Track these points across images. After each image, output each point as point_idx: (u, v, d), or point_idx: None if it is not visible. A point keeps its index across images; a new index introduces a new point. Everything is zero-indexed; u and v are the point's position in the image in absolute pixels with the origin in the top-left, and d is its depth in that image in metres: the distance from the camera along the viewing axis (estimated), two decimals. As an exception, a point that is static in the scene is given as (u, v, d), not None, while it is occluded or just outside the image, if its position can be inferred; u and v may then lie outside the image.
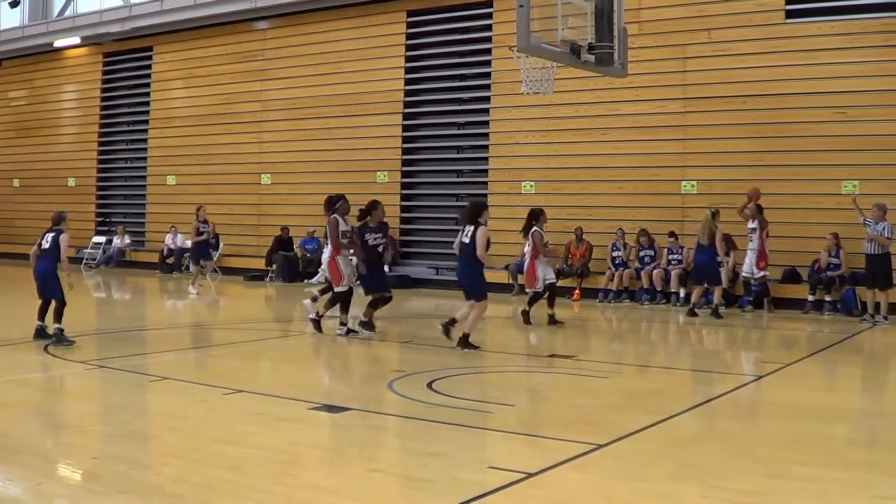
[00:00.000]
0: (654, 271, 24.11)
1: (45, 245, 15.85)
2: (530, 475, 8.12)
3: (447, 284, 26.80)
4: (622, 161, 25.56)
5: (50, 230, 16.01)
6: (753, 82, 23.95)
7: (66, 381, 13.37)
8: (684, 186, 24.81)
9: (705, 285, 21.77)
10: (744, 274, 22.71)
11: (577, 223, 25.72)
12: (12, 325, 16.22)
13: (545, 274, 19.59)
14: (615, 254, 24.87)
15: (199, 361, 14.98)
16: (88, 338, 16.39)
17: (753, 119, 23.92)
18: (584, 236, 25.75)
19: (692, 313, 21.32)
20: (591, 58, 17.14)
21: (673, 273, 23.89)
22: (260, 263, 31.21)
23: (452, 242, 25.62)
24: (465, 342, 15.57)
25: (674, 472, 8.59)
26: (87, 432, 10.20)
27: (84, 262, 35.43)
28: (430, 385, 12.28)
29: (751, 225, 22.39)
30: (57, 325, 15.46)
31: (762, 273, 22.38)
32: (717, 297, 21.39)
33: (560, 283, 25.05)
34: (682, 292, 23.37)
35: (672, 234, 24.13)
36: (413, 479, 8.28)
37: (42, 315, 15.84)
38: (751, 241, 22.38)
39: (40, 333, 15.75)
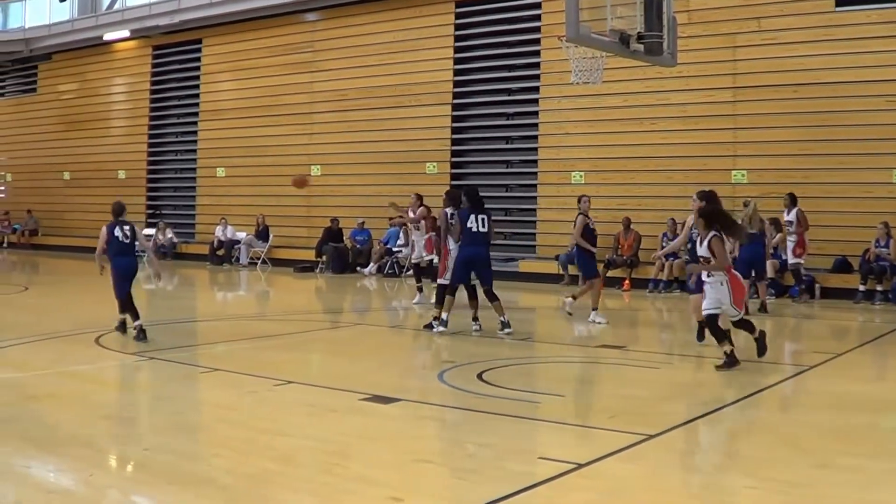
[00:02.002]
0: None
1: (127, 240, 15.60)
2: (580, 466, 8.10)
3: (497, 275, 26.77)
4: (672, 151, 25.43)
5: (122, 223, 15.66)
6: (804, 71, 23.78)
7: (117, 373, 13.46)
8: (734, 176, 24.66)
9: (753, 276, 21.41)
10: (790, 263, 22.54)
11: (625, 213, 25.63)
12: (63, 318, 16.39)
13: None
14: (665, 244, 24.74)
15: (249, 353, 15.02)
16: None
17: (804, 108, 23.75)
18: (632, 226, 25.64)
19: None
20: (641, 47, 17.08)
21: (723, 263, 23.70)
22: (310, 255, 31.28)
23: (503, 233, 25.69)
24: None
25: (722, 463, 8.58)
26: (138, 423, 10.28)
27: (135, 254, 35.59)
28: (480, 376, 12.28)
29: (788, 217, 22.24)
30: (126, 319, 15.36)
31: (797, 260, 22.23)
32: (762, 291, 20.93)
33: (610, 274, 25.03)
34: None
35: (723, 226, 23.89)
36: (463, 470, 8.29)
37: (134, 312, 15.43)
38: (789, 232, 22.21)
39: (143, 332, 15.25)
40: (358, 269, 29.83)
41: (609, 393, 11.86)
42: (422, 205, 21.51)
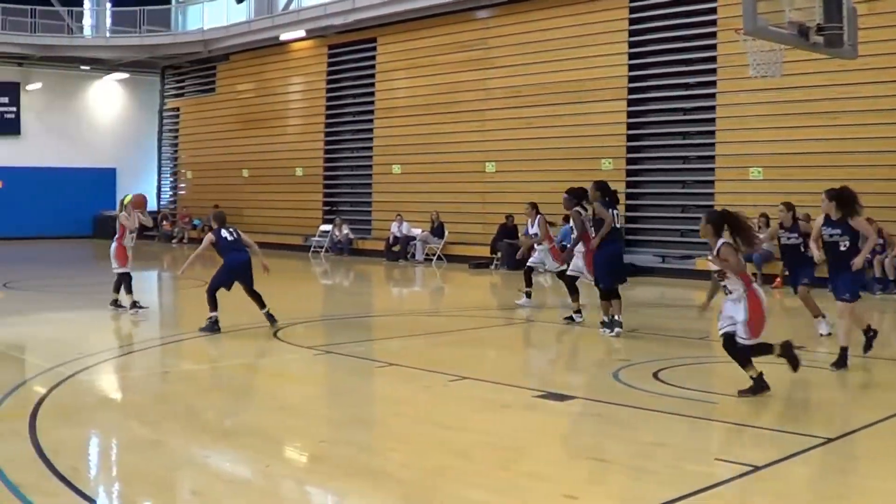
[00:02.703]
0: (886, 259, 23.34)
1: (233, 237, 16.24)
2: (757, 468, 7.97)
3: (673, 273, 26.52)
4: (855, 146, 24.70)
5: (227, 227, 16.37)
6: None
7: (295, 366, 13.66)
8: (921, 172, 23.96)
9: None
10: None
11: (804, 210, 25.09)
12: (241, 312, 16.64)
13: None
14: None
15: (424, 348, 15.12)
16: (316, 324, 16.73)
17: None
18: (807, 222, 25.04)
19: None
20: (820, 39, 16.73)
21: (907, 261, 23.06)
22: (485, 251, 31.33)
23: (679, 230, 25.21)
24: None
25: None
26: (315, 416, 10.41)
27: (312, 250, 36.16)
28: (656, 375, 12.15)
29: None
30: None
31: None
32: None
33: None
34: (917, 282, 22.48)
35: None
36: (638, 470, 8.21)
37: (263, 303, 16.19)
38: None
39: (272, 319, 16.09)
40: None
41: (788, 394, 11.62)
42: (538, 213, 20.08)
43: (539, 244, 19.71)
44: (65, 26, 43.93)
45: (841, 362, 12.75)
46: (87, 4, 46.42)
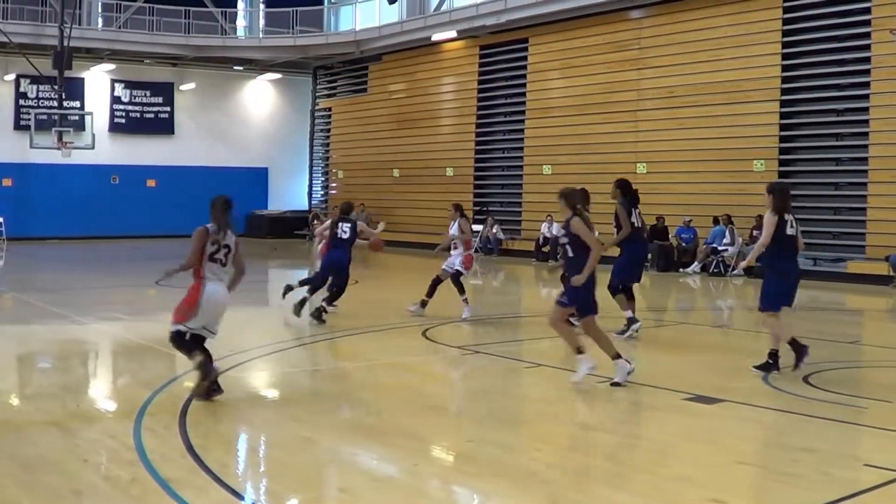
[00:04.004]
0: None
1: (344, 235, 17.17)
2: (908, 475, 7.86)
3: (825, 276, 26.05)
4: None
5: (344, 220, 17.26)
6: None
7: (443, 365, 13.77)
8: None
9: None
10: None
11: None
12: (391, 311, 16.82)
13: None
14: None
15: (569, 348, 15.10)
16: (464, 323, 16.80)
17: None
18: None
19: None
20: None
21: None
22: (633, 252, 31.11)
23: (830, 232, 24.76)
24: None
25: None
26: (462, 415, 10.50)
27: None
28: (806, 379, 12.01)
29: None
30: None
31: None
32: None
33: None
34: None
35: None
36: (784, 474, 8.13)
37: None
38: None
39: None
40: (681, 269, 29.54)
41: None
42: (462, 215, 18.63)
43: (455, 248, 18.32)
44: (218, 27, 44.76)
45: (770, 366, 12.44)
46: (240, 5, 47.17)
